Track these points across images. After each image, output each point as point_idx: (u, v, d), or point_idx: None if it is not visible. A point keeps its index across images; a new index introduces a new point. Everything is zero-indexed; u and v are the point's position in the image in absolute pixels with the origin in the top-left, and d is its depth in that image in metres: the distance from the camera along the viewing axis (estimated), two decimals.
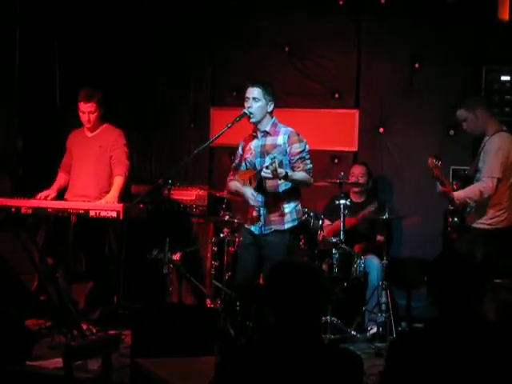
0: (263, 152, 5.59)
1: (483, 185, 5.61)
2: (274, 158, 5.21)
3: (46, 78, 7.46)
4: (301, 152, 5.54)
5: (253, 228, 5.61)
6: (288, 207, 5.57)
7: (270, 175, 5.24)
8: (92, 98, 6.60)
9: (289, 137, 5.55)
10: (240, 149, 5.79)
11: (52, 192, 6.69)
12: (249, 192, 5.53)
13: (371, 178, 7.19)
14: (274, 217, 5.54)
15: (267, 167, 5.22)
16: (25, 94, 7.20)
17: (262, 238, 5.55)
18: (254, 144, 5.66)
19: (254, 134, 5.67)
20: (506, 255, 5.84)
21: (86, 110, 6.64)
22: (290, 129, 5.62)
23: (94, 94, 6.62)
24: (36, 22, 7.29)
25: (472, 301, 2.94)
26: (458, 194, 5.73)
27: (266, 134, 5.62)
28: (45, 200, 6.55)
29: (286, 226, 5.57)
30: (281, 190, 5.54)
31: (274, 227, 5.54)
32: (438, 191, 5.77)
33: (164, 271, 6.51)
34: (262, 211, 5.53)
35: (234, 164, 5.86)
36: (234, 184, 5.75)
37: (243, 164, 5.74)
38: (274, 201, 5.54)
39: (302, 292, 2.83)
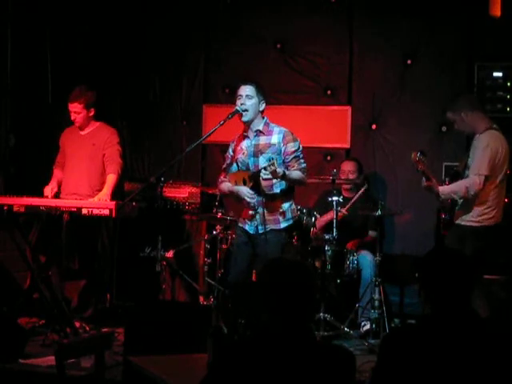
0: (256, 152, 5.57)
1: (470, 181, 5.63)
2: (273, 159, 5.23)
3: (38, 75, 7.43)
4: (295, 151, 5.55)
5: (247, 227, 5.60)
6: (283, 206, 5.57)
7: (270, 176, 5.26)
8: (77, 99, 6.58)
9: (284, 136, 5.55)
10: (230, 150, 5.76)
11: (55, 187, 6.69)
12: (245, 191, 5.51)
13: (362, 173, 7.20)
14: (270, 216, 5.51)
15: (265, 168, 5.23)
16: (17, 91, 7.18)
17: (258, 237, 5.52)
18: (246, 144, 5.63)
19: (245, 133, 5.65)
20: (494, 252, 5.86)
21: (72, 109, 6.65)
22: (283, 128, 5.63)
23: (81, 95, 6.60)
24: (28, 18, 7.27)
25: (463, 297, 2.94)
26: (443, 189, 5.75)
27: (259, 133, 5.60)
28: (50, 194, 6.56)
29: (282, 226, 5.58)
30: (276, 189, 5.54)
31: (270, 226, 5.51)
32: (423, 185, 5.78)
33: (157, 269, 6.50)
34: (259, 210, 5.51)
35: (224, 165, 5.82)
36: (226, 185, 5.72)
37: (234, 165, 5.72)
38: (270, 200, 5.52)
39: (295, 289, 2.83)
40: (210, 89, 7.95)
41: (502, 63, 7.05)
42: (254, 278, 5.83)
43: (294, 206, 5.70)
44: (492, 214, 5.72)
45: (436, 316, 2.95)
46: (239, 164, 5.67)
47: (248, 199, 5.48)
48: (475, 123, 5.81)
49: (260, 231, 5.51)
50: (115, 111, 7.93)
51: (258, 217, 5.51)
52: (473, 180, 5.62)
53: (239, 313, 5.50)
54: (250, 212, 5.52)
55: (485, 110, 6.20)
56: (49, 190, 6.63)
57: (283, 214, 5.56)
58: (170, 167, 6.64)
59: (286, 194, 5.59)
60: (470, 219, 5.72)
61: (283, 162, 5.51)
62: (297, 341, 2.81)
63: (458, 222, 5.78)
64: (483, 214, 5.71)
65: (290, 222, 5.63)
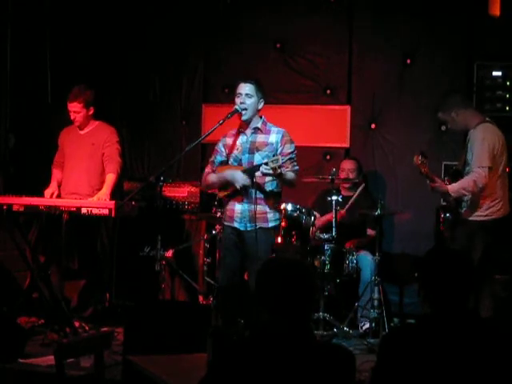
0: (252, 148, 5.59)
1: (476, 175, 5.64)
2: (278, 155, 5.32)
3: (37, 74, 7.44)
4: (291, 153, 5.60)
5: (236, 224, 5.61)
6: (272, 206, 5.61)
7: (270, 171, 5.28)
8: (76, 98, 6.59)
9: (282, 136, 5.59)
10: (221, 144, 5.74)
11: (55, 190, 6.70)
12: (238, 175, 5.51)
13: (361, 172, 7.21)
14: (258, 214, 5.53)
15: (267, 163, 5.26)
16: (17, 91, 7.18)
17: (247, 234, 5.55)
18: (242, 140, 5.64)
19: (242, 130, 5.67)
20: (503, 247, 5.88)
21: (71, 109, 6.66)
22: (281, 129, 5.66)
23: (80, 95, 6.60)
24: (28, 18, 7.27)
25: (464, 296, 2.94)
26: (453, 187, 5.75)
27: (257, 130, 5.62)
28: (51, 198, 6.56)
29: (270, 225, 5.61)
30: (267, 188, 5.57)
31: (259, 224, 5.54)
32: (430, 188, 5.79)
33: (156, 268, 6.51)
34: (249, 207, 5.50)
35: (212, 158, 5.80)
36: (213, 175, 5.71)
37: (228, 160, 5.70)
38: (259, 199, 5.55)
39: (294, 289, 2.83)
40: (209, 88, 7.95)
41: (502, 62, 7.05)
42: (245, 278, 5.85)
43: (282, 207, 5.81)
44: (499, 205, 5.75)
45: (435, 316, 2.95)
46: (232, 159, 5.68)
47: (241, 180, 5.47)
48: (467, 120, 5.83)
49: (248, 228, 5.54)
50: (115, 111, 7.92)
51: (247, 213, 5.53)
52: (478, 173, 5.63)
53: (236, 313, 5.50)
54: (240, 188, 5.49)
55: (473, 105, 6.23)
56: (49, 193, 6.63)
57: (272, 213, 5.60)
58: (169, 167, 6.64)
59: (275, 195, 5.64)
60: (478, 214, 5.74)
61: None
62: (296, 340, 2.81)
63: (466, 218, 5.78)
64: (491, 206, 5.73)
65: (278, 222, 5.70)
